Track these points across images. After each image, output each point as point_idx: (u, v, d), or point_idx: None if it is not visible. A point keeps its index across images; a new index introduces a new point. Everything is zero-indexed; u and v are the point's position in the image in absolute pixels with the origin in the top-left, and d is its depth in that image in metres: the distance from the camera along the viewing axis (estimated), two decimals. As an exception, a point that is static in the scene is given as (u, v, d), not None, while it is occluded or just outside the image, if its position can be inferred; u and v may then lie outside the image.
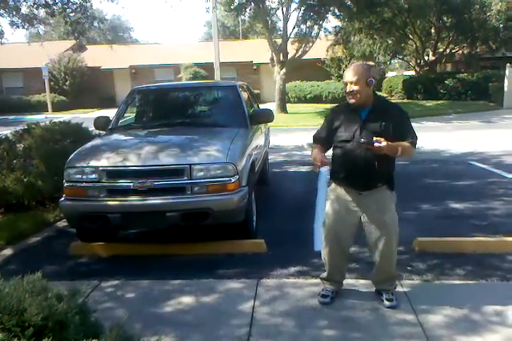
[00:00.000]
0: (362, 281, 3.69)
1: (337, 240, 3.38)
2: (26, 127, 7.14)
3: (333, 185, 3.40)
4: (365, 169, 3.13)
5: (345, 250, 3.46)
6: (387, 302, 3.30)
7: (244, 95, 6.33)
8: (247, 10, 19.48)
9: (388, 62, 32.10)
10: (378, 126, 3.10)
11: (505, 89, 19.32)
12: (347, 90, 3.14)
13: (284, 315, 3.23)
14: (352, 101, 3.15)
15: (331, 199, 3.39)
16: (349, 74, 3.12)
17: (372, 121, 3.13)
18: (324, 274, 3.55)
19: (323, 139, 3.33)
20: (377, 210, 3.24)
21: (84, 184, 4.39)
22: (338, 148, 3.25)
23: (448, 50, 25.86)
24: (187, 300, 3.52)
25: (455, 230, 4.86)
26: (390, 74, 42.02)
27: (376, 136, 2.96)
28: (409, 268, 3.99)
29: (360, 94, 3.11)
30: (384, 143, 2.92)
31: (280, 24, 23.21)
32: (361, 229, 3.36)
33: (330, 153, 3.38)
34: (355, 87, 3.09)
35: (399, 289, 3.51)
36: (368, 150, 3.04)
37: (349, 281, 3.68)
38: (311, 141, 3.44)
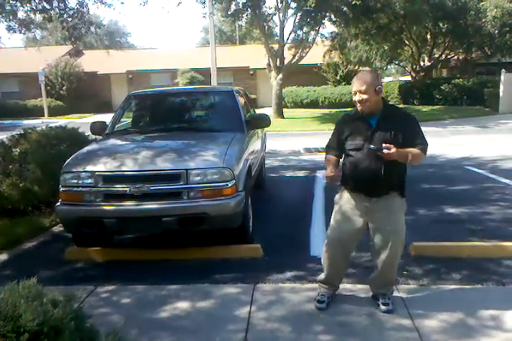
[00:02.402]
0: (359, 286, 3.68)
1: (341, 245, 3.37)
2: (22, 132, 7.13)
3: (343, 190, 3.39)
4: (375, 177, 3.13)
5: (348, 255, 3.47)
6: (383, 307, 3.30)
7: (241, 100, 6.34)
8: (244, 15, 19.55)
9: (384, 68, 32.19)
10: (388, 134, 3.10)
11: (501, 94, 19.42)
12: (356, 99, 3.14)
13: (280, 320, 3.22)
14: (361, 108, 3.16)
15: (339, 205, 3.39)
16: (358, 83, 3.12)
17: (383, 129, 3.13)
18: (322, 276, 3.52)
19: (335, 148, 3.36)
20: (387, 217, 3.24)
21: (80, 189, 4.37)
22: (349, 156, 3.26)
23: (444, 56, 25.99)
24: (183, 305, 3.50)
25: (451, 235, 4.87)
26: (386, 79, 42.20)
27: (386, 143, 2.98)
28: (405, 272, 3.99)
29: (370, 102, 3.11)
30: (393, 150, 2.95)
31: (277, 30, 23.26)
32: (364, 235, 3.37)
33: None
34: (365, 96, 3.09)
35: (395, 294, 3.51)
36: (378, 158, 3.05)
37: (346, 286, 3.68)
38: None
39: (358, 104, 3.15)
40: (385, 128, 3.13)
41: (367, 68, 28.85)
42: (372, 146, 3.05)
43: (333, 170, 3.24)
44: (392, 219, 3.25)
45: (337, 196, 3.45)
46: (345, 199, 3.35)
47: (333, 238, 3.39)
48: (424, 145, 3.17)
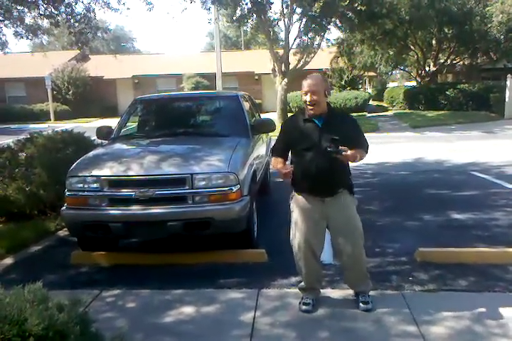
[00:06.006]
0: (363, 292, 3.66)
1: (311, 251, 3.43)
2: (29, 136, 7.17)
3: (295, 195, 3.44)
4: (327, 176, 3.22)
5: (319, 257, 3.53)
6: (362, 305, 3.36)
7: (246, 105, 6.35)
8: (249, 21, 19.59)
9: (390, 73, 32.23)
10: (336, 134, 3.15)
11: (506, 99, 19.35)
12: (308, 99, 3.22)
13: (285, 326, 3.21)
14: (311, 111, 3.25)
15: (296, 211, 3.43)
16: (310, 84, 3.22)
17: (329, 129, 3.21)
18: (303, 284, 3.57)
19: (283, 150, 3.42)
20: (342, 215, 3.33)
21: (86, 193, 4.39)
22: (298, 157, 3.32)
23: (449, 61, 25.95)
24: (188, 310, 3.50)
25: (457, 240, 4.84)
26: (391, 84, 42.20)
27: (334, 143, 3.07)
28: (410, 278, 3.98)
29: (320, 103, 3.23)
30: (349, 152, 3.07)
31: (282, 35, 23.30)
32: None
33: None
34: (315, 97, 3.20)
35: (401, 300, 3.50)
36: (329, 158, 3.13)
37: (350, 291, 3.65)
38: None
39: (310, 107, 3.23)
40: (332, 129, 3.22)
41: (372, 73, 28.91)
42: (329, 149, 3.10)
43: (285, 167, 3.29)
44: (349, 216, 3.33)
45: (291, 203, 3.49)
46: (300, 205, 3.39)
47: (303, 245, 3.41)
48: (366, 145, 3.35)
